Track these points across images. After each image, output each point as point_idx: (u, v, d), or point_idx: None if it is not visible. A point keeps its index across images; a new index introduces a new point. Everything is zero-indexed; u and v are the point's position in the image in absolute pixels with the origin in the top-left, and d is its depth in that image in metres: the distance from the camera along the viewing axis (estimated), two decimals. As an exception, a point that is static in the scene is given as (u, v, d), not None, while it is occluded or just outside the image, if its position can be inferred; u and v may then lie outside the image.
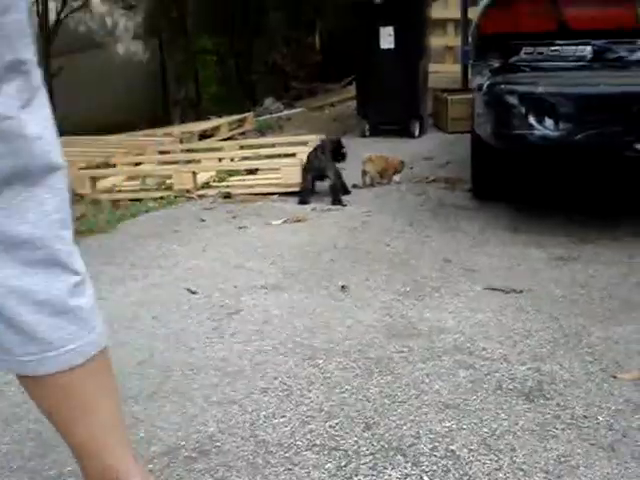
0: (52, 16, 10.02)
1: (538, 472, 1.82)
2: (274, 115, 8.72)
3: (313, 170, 4.51)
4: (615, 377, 2.26)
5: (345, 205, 4.43)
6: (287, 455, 1.94)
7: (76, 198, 4.91)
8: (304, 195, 4.50)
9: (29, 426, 2.16)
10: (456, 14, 7.87)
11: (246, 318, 2.85)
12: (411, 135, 6.46)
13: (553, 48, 3.54)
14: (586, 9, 3.54)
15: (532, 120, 3.47)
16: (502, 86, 3.57)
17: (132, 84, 12.48)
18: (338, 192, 4.49)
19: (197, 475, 1.88)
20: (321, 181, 4.58)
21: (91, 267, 3.58)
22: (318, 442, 1.99)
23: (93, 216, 4.50)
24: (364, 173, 4.91)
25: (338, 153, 4.76)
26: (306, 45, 13.39)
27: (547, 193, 4.41)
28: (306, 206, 4.47)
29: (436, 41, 8.00)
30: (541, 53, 3.57)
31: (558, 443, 1.94)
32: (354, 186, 4.87)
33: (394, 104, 6.38)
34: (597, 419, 2.04)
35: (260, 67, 13.45)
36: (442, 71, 8.19)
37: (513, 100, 3.51)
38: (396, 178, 4.96)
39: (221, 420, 2.12)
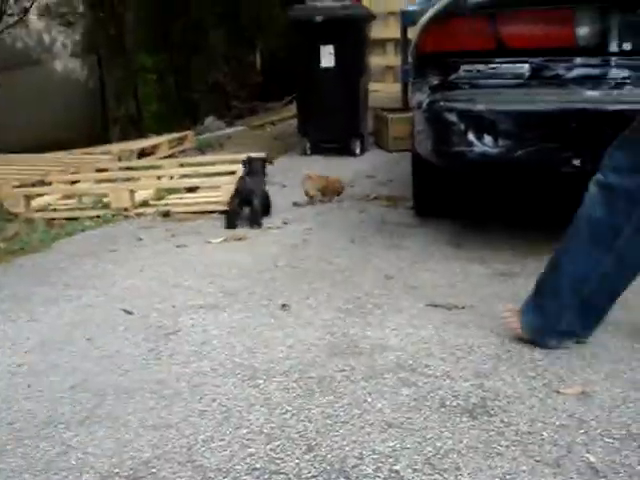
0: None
1: (483, 491, 1.79)
2: (215, 134, 8.64)
3: (238, 194, 4.40)
4: (558, 392, 2.25)
5: (261, 226, 4.33)
6: (226, 480, 1.87)
7: (9, 217, 4.77)
8: (230, 218, 4.38)
9: None
10: (396, 34, 7.93)
11: (184, 339, 2.77)
12: (352, 153, 6.45)
13: (491, 66, 3.56)
14: (524, 27, 3.57)
15: (471, 137, 3.48)
16: (441, 103, 3.56)
17: (70, 101, 12.25)
18: (256, 215, 4.37)
19: (131, 504, 1.80)
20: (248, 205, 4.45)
21: (23, 287, 3.50)
22: (258, 466, 1.92)
23: (26, 235, 4.36)
24: (306, 192, 4.87)
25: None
26: (247, 64, 13.36)
27: (489, 209, 4.44)
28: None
29: (376, 60, 8.06)
30: (480, 71, 3.58)
31: (503, 460, 1.91)
32: (295, 204, 4.83)
33: (335, 122, 6.37)
34: (541, 435, 2.02)
35: (201, 85, 13.36)
36: (382, 90, 8.23)
37: (452, 117, 3.51)
38: (336, 197, 4.93)
39: (157, 445, 2.04)
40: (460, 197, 4.27)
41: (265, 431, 2.08)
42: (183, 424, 2.14)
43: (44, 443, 2.08)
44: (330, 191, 4.93)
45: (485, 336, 2.68)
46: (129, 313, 3.04)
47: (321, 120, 6.43)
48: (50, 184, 5.51)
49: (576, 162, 3.34)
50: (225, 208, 4.54)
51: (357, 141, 6.50)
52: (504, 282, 3.27)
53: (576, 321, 2.53)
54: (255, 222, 4.33)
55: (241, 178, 4.52)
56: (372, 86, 7.26)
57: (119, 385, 2.40)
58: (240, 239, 4.10)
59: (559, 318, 2.52)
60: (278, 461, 1.94)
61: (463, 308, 2.96)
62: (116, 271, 3.62)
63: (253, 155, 4.89)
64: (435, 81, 3.64)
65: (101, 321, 2.97)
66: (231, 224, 4.33)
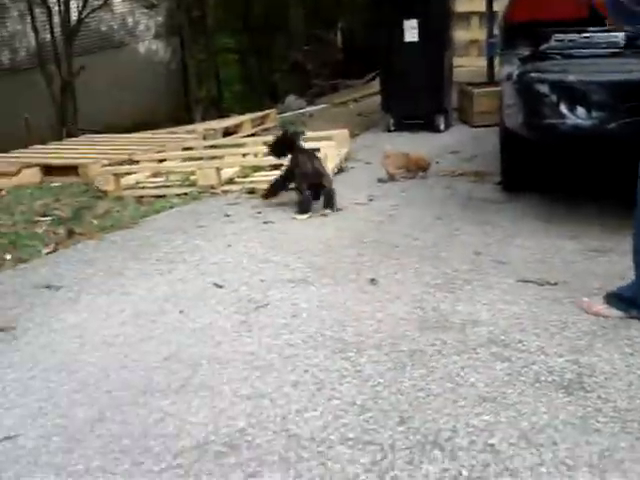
0: (74, 15, 10.02)
1: (582, 466, 1.75)
2: (297, 112, 8.66)
3: (309, 178, 4.27)
4: (658, 369, 2.18)
5: (340, 209, 4.17)
6: (320, 449, 1.88)
7: (100, 195, 4.90)
8: (305, 205, 4.17)
9: (55, 421, 2.12)
10: (481, 7, 7.74)
11: (274, 312, 2.79)
12: (436, 129, 6.36)
13: (585, 35, 3.45)
14: (618, -6, 3.44)
15: (564, 109, 3.38)
16: (532, 74, 3.47)
17: (153, 83, 12.49)
18: (331, 198, 4.19)
19: (227, 470, 1.83)
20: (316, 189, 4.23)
21: (116, 262, 3.59)
22: (352, 436, 1.93)
23: (117, 212, 4.47)
24: (386, 171, 4.81)
25: (285, 148, 4.39)
26: (327, 42, 13.32)
27: (579, 184, 4.31)
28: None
29: (460, 34, 7.91)
30: (572, 40, 3.48)
31: (602, 437, 1.87)
32: (379, 180, 4.79)
33: (419, 98, 6.28)
34: (641, 412, 1.96)
35: (281, 65, 13.41)
36: (467, 65, 8.07)
37: (544, 89, 3.42)
38: (421, 174, 4.87)
39: (251, 414, 2.07)
40: (549, 172, 4.17)
41: (358, 403, 2.09)
42: (276, 394, 2.17)
43: (142, 410, 2.14)
44: (413, 168, 4.87)
45: (579, 312, 2.61)
46: (219, 287, 3.08)
47: (404, 96, 6.35)
48: (138, 163, 5.62)
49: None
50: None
51: (441, 117, 6.41)
52: (596, 258, 3.18)
53: None
54: (330, 204, 4.17)
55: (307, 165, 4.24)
56: (456, 61, 7.12)
57: (212, 356, 2.45)
58: (325, 215, 4.10)
59: None
60: (371, 432, 1.94)
61: (555, 284, 2.90)
62: (205, 246, 3.67)
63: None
64: (525, 52, 3.55)
65: (192, 294, 3.02)
66: (305, 210, 4.14)
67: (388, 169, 4.81)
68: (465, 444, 1.87)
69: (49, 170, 5.70)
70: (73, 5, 10.13)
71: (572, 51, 3.45)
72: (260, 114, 7.79)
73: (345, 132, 5.83)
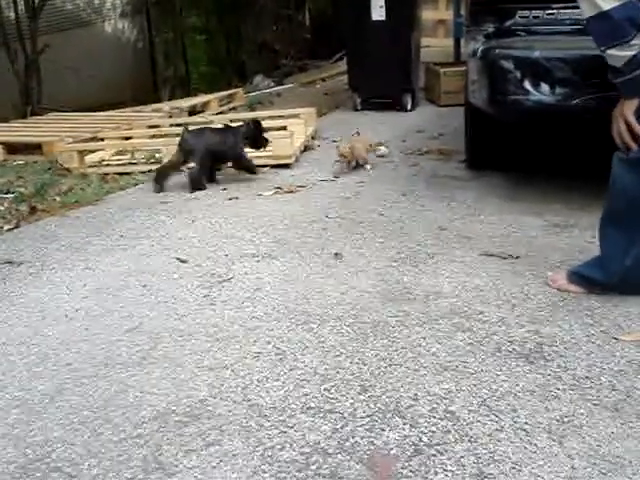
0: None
1: (541, 432, 1.77)
2: (264, 91, 8.61)
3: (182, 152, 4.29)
4: (616, 339, 2.21)
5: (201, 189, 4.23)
6: (281, 418, 1.88)
7: (64, 172, 4.83)
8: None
9: (15, 394, 2.10)
10: (448, -13, 7.79)
11: (237, 285, 2.78)
12: (403, 108, 6.36)
13: (549, 12, 3.46)
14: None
15: (528, 85, 3.39)
16: (497, 51, 3.48)
17: (120, 62, 12.32)
18: (196, 181, 4.26)
19: (188, 439, 1.83)
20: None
21: (79, 238, 3.54)
22: (313, 405, 1.93)
23: (81, 189, 4.41)
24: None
25: (258, 138, 4.40)
26: (296, 22, 13.25)
27: (543, 161, 4.34)
28: (297, 178, 4.38)
29: (428, 15, 7.91)
30: (537, 17, 3.49)
31: (560, 404, 1.89)
32: (337, 161, 4.76)
33: (386, 77, 6.27)
34: (600, 380, 1.99)
35: (250, 45, 13.31)
36: (434, 45, 8.08)
37: (508, 65, 3.43)
38: (367, 166, 4.53)
39: (213, 385, 2.07)
40: (513, 150, 4.19)
41: (319, 372, 2.09)
42: (238, 365, 2.16)
43: (102, 382, 2.12)
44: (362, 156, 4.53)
45: (541, 284, 2.64)
46: (183, 262, 3.07)
47: (371, 75, 6.34)
48: (103, 140, 5.55)
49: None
50: (279, 162, 4.56)
51: (408, 96, 6.41)
52: (558, 234, 3.21)
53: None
54: (195, 188, 4.22)
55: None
56: (424, 41, 7.12)
57: (175, 328, 2.43)
58: (291, 192, 4.09)
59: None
60: (333, 401, 1.95)
61: (518, 258, 2.92)
62: (169, 222, 3.65)
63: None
64: (490, 28, 3.56)
65: (156, 269, 3.00)
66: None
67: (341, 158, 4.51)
68: (425, 411, 1.88)
69: (13, 148, 5.62)
70: (37, -18, 9.95)
71: (536, 28, 3.46)
72: (227, 93, 7.74)
73: (312, 110, 5.81)
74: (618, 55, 2.31)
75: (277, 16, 13.23)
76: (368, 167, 4.53)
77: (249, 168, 4.43)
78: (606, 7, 2.26)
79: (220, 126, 4.61)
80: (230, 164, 4.46)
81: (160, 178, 4.33)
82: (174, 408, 1.96)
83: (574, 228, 3.25)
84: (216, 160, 4.40)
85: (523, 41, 3.47)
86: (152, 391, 2.05)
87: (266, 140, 4.45)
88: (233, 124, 4.61)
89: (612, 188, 2.44)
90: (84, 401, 2.04)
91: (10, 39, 9.62)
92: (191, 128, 4.48)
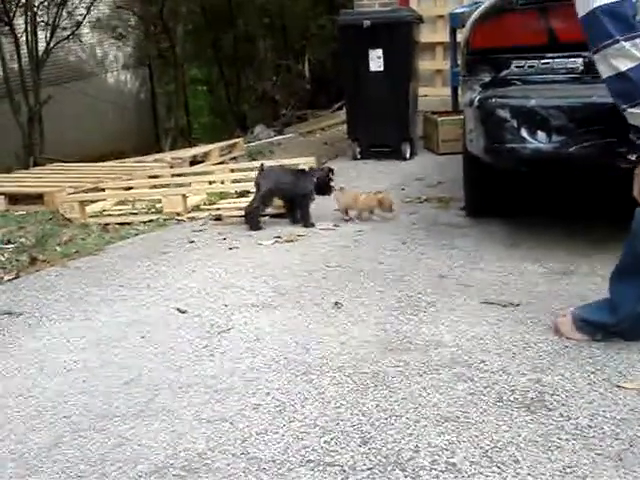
0: (42, 45, 10.00)
1: (543, 484, 1.74)
2: (265, 141, 8.69)
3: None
4: (619, 387, 2.19)
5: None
6: (281, 472, 1.86)
7: (65, 222, 4.85)
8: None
9: (11, 447, 2.07)
10: (444, 37, 7.86)
11: (237, 336, 2.77)
12: (402, 157, 6.41)
13: (544, 61, 3.51)
14: (576, 22, 3.51)
15: (524, 133, 3.42)
16: (493, 100, 3.52)
17: (122, 113, 12.48)
18: (251, 220, 4.40)
19: (186, 494, 1.80)
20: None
21: (79, 288, 3.54)
22: (313, 458, 1.91)
23: (81, 239, 4.42)
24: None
25: (327, 185, 4.49)
26: (295, 73, 13.43)
27: (542, 208, 4.36)
28: (297, 227, 4.39)
29: (425, 65, 8.00)
30: (532, 66, 3.54)
31: (563, 454, 1.86)
32: (336, 210, 4.76)
33: (384, 126, 6.34)
34: (602, 429, 1.97)
35: (250, 96, 13.48)
36: (432, 94, 8.16)
37: (504, 114, 3.47)
38: (374, 217, 4.49)
39: (211, 438, 2.04)
40: (512, 196, 4.20)
41: (319, 424, 2.07)
42: (237, 417, 2.14)
43: (99, 435, 2.10)
44: (364, 208, 4.49)
45: (542, 332, 2.63)
46: (182, 312, 3.06)
47: (370, 124, 6.40)
48: (104, 191, 5.59)
49: (632, 157, 3.26)
50: (279, 211, 4.60)
51: (407, 145, 6.46)
52: (558, 280, 3.21)
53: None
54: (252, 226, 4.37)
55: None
56: (421, 90, 7.20)
57: (173, 380, 2.42)
58: (291, 241, 4.10)
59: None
60: (333, 453, 1.92)
61: (518, 305, 2.91)
62: (169, 272, 3.65)
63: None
64: (486, 78, 3.60)
65: (155, 320, 2.99)
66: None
67: (338, 205, 4.59)
68: (427, 464, 1.86)
69: (15, 199, 5.66)
70: (41, 35, 10.13)
71: (532, 77, 3.51)
72: (227, 143, 7.81)
73: (312, 160, 5.85)
74: (638, 113, 2.32)
75: (277, 67, 13.42)
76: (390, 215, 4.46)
77: (305, 217, 4.42)
78: (623, 68, 2.29)
79: (294, 168, 4.70)
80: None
81: (249, 218, 4.40)
82: (172, 462, 1.94)
83: (574, 275, 3.25)
84: (285, 200, 4.48)
85: (519, 90, 3.51)
86: (150, 444, 2.03)
87: (331, 188, 4.50)
88: (305, 167, 4.71)
89: (633, 240, 2.43)
90: (81, 454, 2.01)
91: (13, 90, 9.76)
92: (266, 166, 4.59)
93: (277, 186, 4.43)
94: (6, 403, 2.33)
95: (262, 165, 4.59)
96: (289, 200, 4.52)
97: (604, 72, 2.37)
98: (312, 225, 4.38)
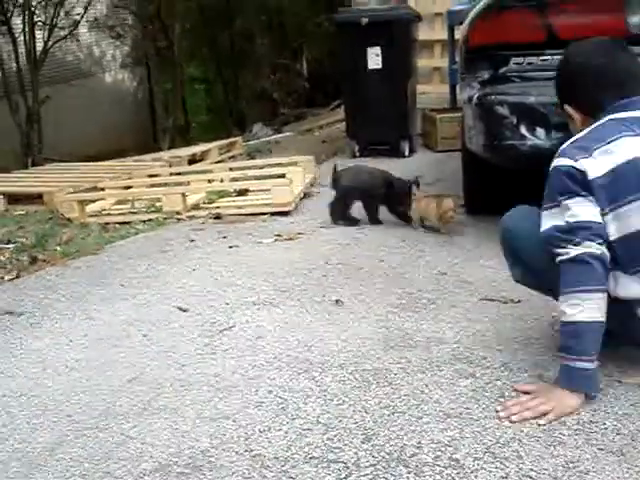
0: (39, 45, 9.99)
1: (546, 478, 1.75)
2: (263, 139, 8.70)
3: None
4: (620, 382, 2.19)
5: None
6: (284, 469, 1.86)
7: (64, 222, 4.86)
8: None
9: (15, 446, 2.08)
10: (442, 35, 7.90)
11: (239, 334, 2.78)
12: (401, 155, 6.43)
13: (543, 58, 3.51)
14: (574, 18, 3.52)
15: (523, 130, 3.44)
16: (492, 97, 3.53)
17: (120, 113, 12.47)
18: (333, 213, 4.41)
19: (190, 491, 1.80)
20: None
21: (79, 288, 3.55)
22: (316, 455, 1.91)
23: (81, 239, 4.43)
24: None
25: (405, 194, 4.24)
26: (293, 72, 13.43)
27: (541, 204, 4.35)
28: (297, 225, 4.40)
29: (423, 62, 8.03)
30: (530, 63, 3.55)
31: (565, 449, 1.87)
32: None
33: (383, 124, 6.36)
34: (604, 424, 1.97)
35: (248, 94, 13.48)
36: (430, 92, 8.20)
37: (503, 111, 3.48)
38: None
39: (214, 435, 2.05)
40: (511, 194, 4.20)
41: (322, 421, 2.07)
42: (240, 415, 2.14)
43: (103, 434, 2.11)
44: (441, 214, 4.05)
45: (543, 328, 2.64)
46: (184, 310, 3.06)
47: (369, 122, 6.42)
48: (103, 190, 5.59)
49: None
50: (279, 209, 4.59)
51: (405, 142, 6.48)
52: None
53: None
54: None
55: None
56: (420, 88, 7.23)
57: (176, 378, 2.42)
58: (291, 239, 4.10)
59: None
60: (336, 450, 1.93)
61: (519, 302, 2.92)
62: (170, 271, 3.65)
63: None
64: (485, 75, 3.61)
65: (156, 318, 3.00)
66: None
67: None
68: (430, 460, 1.86)
69: (14, 199, 5.66)
70: (39, 35, 10.12)
71: (531, 74, 3.51)
72: (226, 141, 7.83)
73: (310, 158, 5.87)
74: None
75: (275, 65, 13.43)
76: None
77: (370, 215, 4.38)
78: None
79: (376, 169, 4.57)
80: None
81: (334, 215, 4.39)
82: (175, 460, 1.94)
83: (574, 271, 3.25)
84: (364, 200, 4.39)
85: (518, 87, 3.51)
86: (153, 442, 2.03)
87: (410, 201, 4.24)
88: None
89: None
90: (85, 453, 2.02)
91: (11, 90, 9.75)
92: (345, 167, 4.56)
93: (356, 185, 4.36)
94: (9, 403, 2.34)
95: (335, 166, 4.52)
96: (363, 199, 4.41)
97: None
98: (378, 222, 4.35)
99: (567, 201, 2.10)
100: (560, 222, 2.11)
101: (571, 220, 2.09)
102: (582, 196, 2.08)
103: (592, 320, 2.03)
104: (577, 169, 2.10)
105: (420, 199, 4.19)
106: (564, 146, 2.22)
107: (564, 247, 2.07)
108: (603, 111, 2.21)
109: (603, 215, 2.08)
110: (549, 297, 2.89)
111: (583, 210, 2.08)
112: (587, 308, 2.02)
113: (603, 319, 2.04)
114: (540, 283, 2.40)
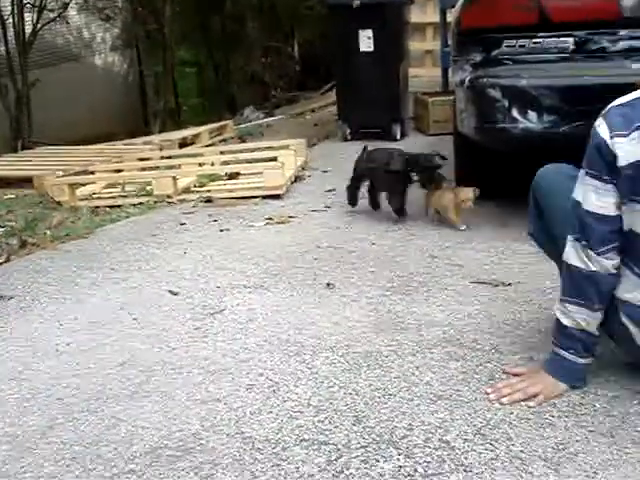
0: (28, 28, 9.90)
1: (536, 460, 1.76)
2: (254, 123, 8.67)
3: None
4: (610, 364, 2.20)
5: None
6: (275, 451, 1.86)
7: (54, 206, 4.83)
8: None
9: (5, 429, 2.07)
10: (434, 18, 7.86)
11: (229, 317, 2.77)
12: (392, 138, 6.40)
13: (535, 40, 3.50)
14: (567, 1, 3.51)
15: (515, 113, 3.43)
16: (484, 80, 3.52)
17: (111, 96, 12.39)
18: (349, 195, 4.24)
19: (181, 473, 1.80)
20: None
21: (70, 271, 3.54)
22: (307, 437, 1.92)
23: (71, 222, 4.41)
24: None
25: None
26: (285, 55, 13.36)
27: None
28: (288, 209, 4.39)
29: (415, 45, 8.00)
30: (523, 46, 3.53)
31: (555, 431, 1.88)
32: (328, 191, 4.78)
33: (375, 107, 6.33)
34: (594, 406, 1.98)
35: (240, 77, 13.41)
36: (422, 75, 8.18)
37: (495, 93, 3.47)
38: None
39: (205, 418, 2.05)
40: (503, 177, 4.20)
41: (313, 404, 2.08)
42: (231, 398, 2.14)
43: (93, 417, 2.10)
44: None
45: (533, 311, 2.64)
46: (174, 294, 3.05)
47: (361, 105, 6.39)
48: (93, 173, 5.56)
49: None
50: (270, 193, 4.57)
51: (397, 125, 6.46)
52: (549, 260, 3.18)
53: None
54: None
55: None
56: (412, 71, 7.20)
57: (166, 362, 2.42)
58: (282, 222, 4.09)
59: None
60: (327, 432, 1.93)
61: (510, 285, 2.92)
62: (160, 255, 3.64)
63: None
64: (477, 58, 3.59)
65: (147, 302, 2.99)
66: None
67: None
68: (420, 441, 1.87)
69: (3, 182, 5.63)
70: (28, 18, 10.02)
71: (523, 56, 3.50)
72: (217, 125, 7.79)
73: (302, 141, 5.85)
74: None
75: (266, 48, 13.35)
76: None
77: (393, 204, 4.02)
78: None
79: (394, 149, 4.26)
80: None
81: (351, 197, 4.24)
82: (166, 442, 1.94)
83: (565, 254, 3.25)
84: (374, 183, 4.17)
85: (510, 70, 3.50)
86: (144, 425, 2.03)
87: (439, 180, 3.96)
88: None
89: None
90: (75, 436, 2.01)
91: (0, 74, 9.67)
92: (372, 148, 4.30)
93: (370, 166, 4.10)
94: (-1, 386, 2.33)
95: (365, 147, 4.30)
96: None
97: None
98: (402, 214, 3.98)
99: (589, 179, 1.96)
100: (580, 198, 1.99)
101: (588, 209, 1.96)
102: (603, 181, 1.93)
103: (588, 331, 2.03)
104: (609, 149, 1.90)
105: (434, 191, 3.95)
106: (614, 104, 1.96)
107: (582, 253, 1.98)
108: None
109: (621, 205, 1.94)
110: (540, 279, 2.91)
111: (599, 203, 1.94)
112: (586, 324, 2.02)
113: (597, 333, 2.05)
114: (551, 248, 2.31)
